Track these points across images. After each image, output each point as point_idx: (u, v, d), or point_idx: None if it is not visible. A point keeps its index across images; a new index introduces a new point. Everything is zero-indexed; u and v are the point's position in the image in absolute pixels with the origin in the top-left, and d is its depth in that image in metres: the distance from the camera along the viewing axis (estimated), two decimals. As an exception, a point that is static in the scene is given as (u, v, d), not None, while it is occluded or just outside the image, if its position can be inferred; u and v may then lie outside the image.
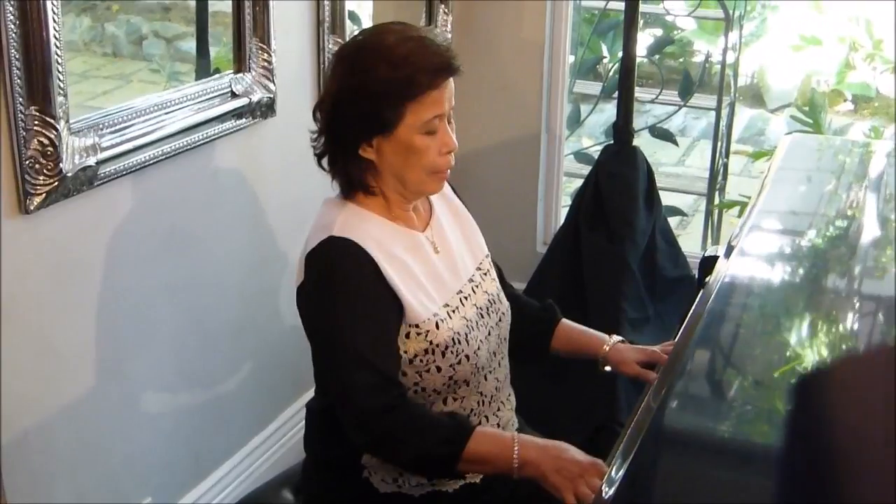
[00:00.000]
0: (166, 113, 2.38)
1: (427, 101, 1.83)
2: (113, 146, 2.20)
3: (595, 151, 3.67)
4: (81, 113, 2.21)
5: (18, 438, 2.13)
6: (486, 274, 2.07)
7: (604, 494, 1.50)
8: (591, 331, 2.22)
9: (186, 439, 2.65)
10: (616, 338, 2.19)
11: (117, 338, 2.35)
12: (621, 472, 1.51)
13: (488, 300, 2.03)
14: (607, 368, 2.17)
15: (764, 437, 1.68)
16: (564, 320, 2.22)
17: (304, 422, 2.16)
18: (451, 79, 1.88)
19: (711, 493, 1.49)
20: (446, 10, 3.47)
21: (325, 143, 1.93)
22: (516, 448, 1.79)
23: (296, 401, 3.05)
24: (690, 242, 4.71)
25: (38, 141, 2.01)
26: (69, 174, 2.08)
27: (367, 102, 1.83)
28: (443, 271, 1.96)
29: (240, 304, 2.76)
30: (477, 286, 2.02)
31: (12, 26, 1.91)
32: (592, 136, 5.06)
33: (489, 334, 1.99)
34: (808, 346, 1.94)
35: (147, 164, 2.31)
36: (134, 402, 2.45)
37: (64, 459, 2.27)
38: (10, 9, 1.90)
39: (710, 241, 3.96)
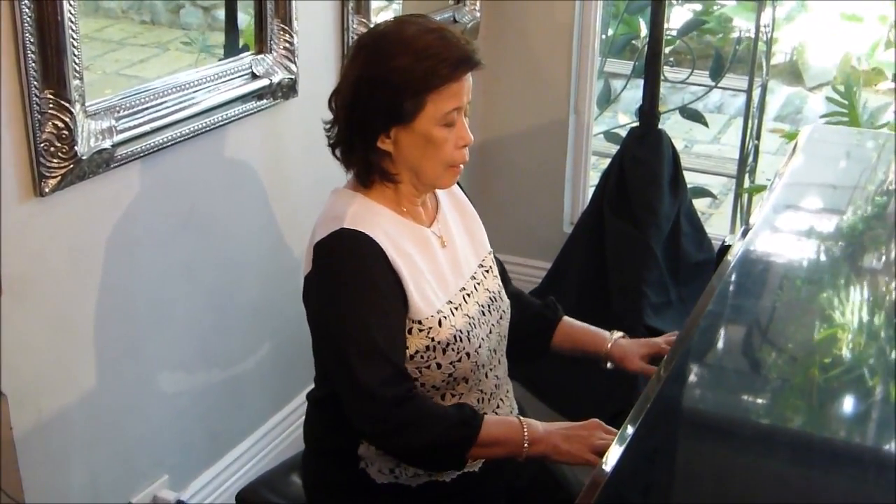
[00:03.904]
0: (185, 95, 2.37)
1: (447, 93, 1.82)
2: (129, 129, 2.21)
3: (625, 132, 3.65)
4: (117, 81, 2.20)
5: (34, 418, 2.16)
6: (488, 271, 2.06)
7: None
8: (593, 328, 2.19)
9: (203, 419, 2.67)
10: (617, 333, 2.17)
11: (134, 318, 2.37)
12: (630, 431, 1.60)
13: (490, 297, 2.02)
14: (609, 365, 2.15)
15: (767, 408, 1.75)
16: (566, 318, 2.20)
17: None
18: (470, 73, 1.86)
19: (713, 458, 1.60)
20: (474, -10, 3.46)
21: (339, 133, 1.91)
22: (525, 428, 1.85)
23: (313, 382, 3.05)
24: (722, 223, 4.67)
25: (53, 124, 2.02)
26: (84, 157, 2.09)
27: (388, 92, 1.82)
28: (447, 268, 1.96)
29: (258, 286, 2.77)
30: (479, 283, 2.01)
31: (27, 10, 1.92)
32: (628, 113, 5.00)
33: (490, 332, 1.99)
34: (811, 324, 1.98)
35: (165, 146, 2.31)
36: (150, 381, 2.47)
37: (80, 438, 2.29)
38: (26, -8, 1.91)
39: (738, 223, 3.93)
